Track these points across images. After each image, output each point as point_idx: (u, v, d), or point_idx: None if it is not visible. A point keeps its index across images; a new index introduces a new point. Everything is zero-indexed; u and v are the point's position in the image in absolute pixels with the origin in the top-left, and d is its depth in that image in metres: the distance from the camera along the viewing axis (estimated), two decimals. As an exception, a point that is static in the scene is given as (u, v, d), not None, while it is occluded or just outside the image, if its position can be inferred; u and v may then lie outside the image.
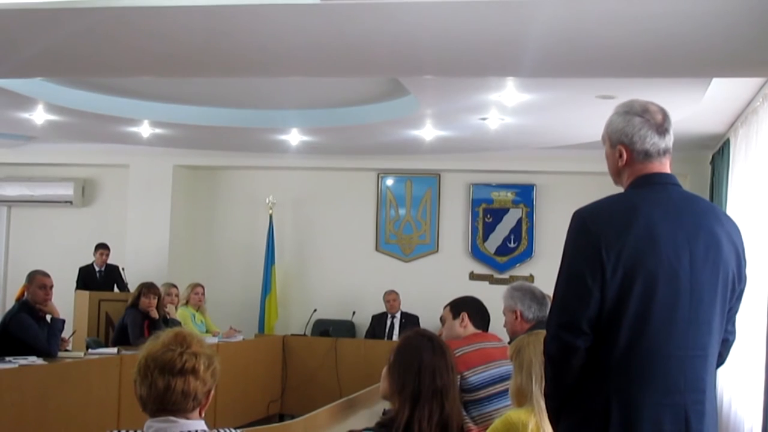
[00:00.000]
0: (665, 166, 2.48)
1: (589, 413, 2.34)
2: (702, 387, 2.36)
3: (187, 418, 2.33)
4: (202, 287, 8.99)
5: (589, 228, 2.36)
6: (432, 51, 5.15)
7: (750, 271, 5.75)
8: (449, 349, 2.86)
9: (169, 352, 2.30)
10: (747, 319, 5.63)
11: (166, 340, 2.34)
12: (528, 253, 10.56)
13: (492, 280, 10.51)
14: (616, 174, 2.54)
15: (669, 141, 2.48)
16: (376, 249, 11.02)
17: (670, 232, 2.35)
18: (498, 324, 4.42)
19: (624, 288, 2.30)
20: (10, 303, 9.15)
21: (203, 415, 2.37)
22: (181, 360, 2.29)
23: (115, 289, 9.82)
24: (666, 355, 2.32)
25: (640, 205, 2.39)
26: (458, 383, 2.93)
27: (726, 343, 2.49)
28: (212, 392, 2.37)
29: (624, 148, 2.48)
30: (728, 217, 2.55)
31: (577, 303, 2.32)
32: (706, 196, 8.38)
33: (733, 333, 2.51)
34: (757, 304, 5.43)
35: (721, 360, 2.50)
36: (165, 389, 2.28)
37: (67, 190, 11.31)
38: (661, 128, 2.47)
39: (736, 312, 2.51)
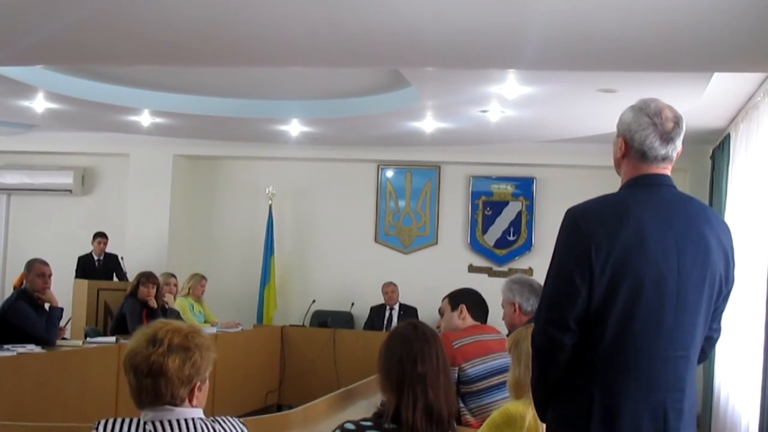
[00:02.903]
0: (663, 170, 2.49)
1: (573, 407, 2.39)
2: (682, 386, 2.41)
3: (184, 407, 2.34)
4: (206, 279, 9.03)
5: (580, 227, 2.38)
6: (433, 42, 5.14)
7: (749, 267, 5.76)
8: (437, 337, 2.86)
9: (138, 355, 2.33)
10: (745, 315, 5.64)
11: (141, 339, 2.36)
12: (527, 246, 10.56)
13: (491, 273, 10.51)
14: (617, 165, 2.56)
15: (672, 150, 2.47)
16: (376, 240, 11.02)
17: (660, 235, 2.38)
18: (497, 316, 4.43)
19: (611, 288, 2.34)
20: (8, 291, 9.15)
21: (195, 404, 2.37)
22: (147, 362, 2.31)
23: (114, 278, 9.83)
24: (650, 354, 2.36)
25: (632, 206, 2.41)
26: (451, 372, 2.93)
27: (710, 341, 2.53)
28: (200, 383, 2.37)
29: (624, 141, 2.50)
30: (719, 219, 2.57)
31: (565, 301, 2.36)
32: (706, 191, 8.38)
33: (717, 330, 2.55)
34: (756, 301, 5.44)
35: (704, 356, 2.54)
36: (138, 388, 2.33)
37: (66, 179, 11.30)
38: (667, 136, 2.46)
39: (722, 311, 2.54)
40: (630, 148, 2.48)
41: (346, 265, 10.89)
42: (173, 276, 8.61)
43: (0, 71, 7.03)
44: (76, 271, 9.79)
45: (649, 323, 2.35)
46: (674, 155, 2.49)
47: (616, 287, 2.33)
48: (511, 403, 3.16)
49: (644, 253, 2.35)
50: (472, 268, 10.64)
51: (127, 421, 2.33)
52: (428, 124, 8.48)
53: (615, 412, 2.34)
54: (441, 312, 4.43)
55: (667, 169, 2.49)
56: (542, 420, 2.59)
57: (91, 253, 10.01)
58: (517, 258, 10.57)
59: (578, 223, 2.39)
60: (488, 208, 10.70)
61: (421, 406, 2.66)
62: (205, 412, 2.40)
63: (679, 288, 2.37)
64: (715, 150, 8.30)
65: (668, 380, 2.38)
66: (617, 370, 2.35)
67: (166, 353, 2.32)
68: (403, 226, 10.97)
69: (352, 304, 10.53)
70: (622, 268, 2.33)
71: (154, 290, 7.78)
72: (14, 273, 9.10)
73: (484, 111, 7.71)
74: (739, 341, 5.83)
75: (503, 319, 4.37)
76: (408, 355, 2.73)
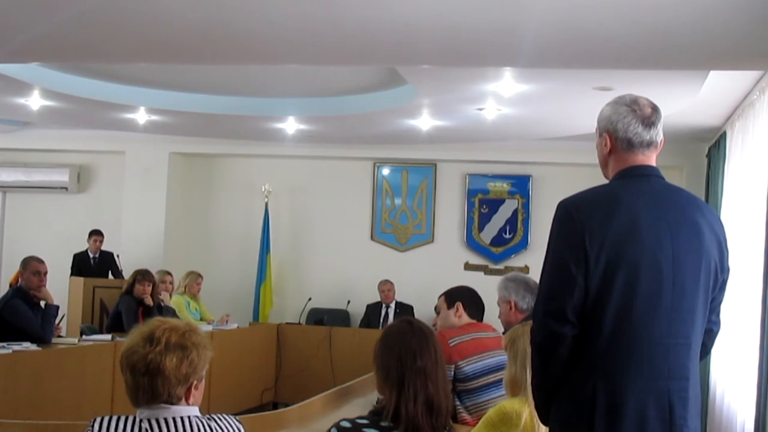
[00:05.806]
0: (649, 158, 2.51)
1: (576, 402, 2.37)
2: (686, 374, 2.39)
3: (180, 405, 2.33)
4: (202, 277, 9.02)
5: (573, 217, 2.39)
6: (430, 40, 5.14)
7: (744, 264, 5.76)
8: (432, 332, 2.87)
9: (135, 353, 2.33)
10: (741, 313, 5.65)
11: (138, 337, 2.36)
12: (523, 244, 10.57)
13: (487, 271, 10.52)
14: (604, 164, 2.58)
15: (655, 135, 2.50)
16: (372, 238, 11.02)
17: (653, 222, 2.38)
18: (493, 314, 4.43)
19: (607, 277, 2.33)
20: (4, 288, 9.13)
21: (191, 402, 2.36)
22: (145, 361, 2.30)
23: (110, 276, 9.81)
24: (650, 342, 2.35)
25: (623, 195, 2.42)
26: (446, 367, 2.93)
27: (710, 334, 2.52)
28: (197, 382, 2.36)
29: (608, 135, 2.53)
30: (710, 209, 2.58)
31: (562, 291, 2.36)
32: (702, 189, 8.39)
33: (717, 323, 2.55)
34: (751, 297, 5.44)
35: (705, 350, 2.53)
36: (135, 387, 2.33)
37: (62, 176, 11.28)
38: (648, 120, 2.49)
39: (720, 302, 2.54)
40: (615, 140, 2.50)
41: (342, 263, 10.89)
42: (169, 273, 8.60)
43: (-5, 68, 7.02)
44: (72, 268, 9.78)
45: (648, 309, 2.34)
46: (658, 141, 2.51)
47: (612, 275, 2.33)
48: (507, 401, 3.16)
49: (638, 240, 2.35)
50: (468, 266, 10.64)
51: (122, 419, 2.32)
52: (424, 121, 8.48)
53: (618, 403, 2.32)
54: (437, 310, 4.44)
55: (652, 158, 2.51)
56: (544, 423, 2.55)
57: (86, 251, 10.00)
58: (513, 256, 10.58)
59: (570, 213, 2.40)
60: (484, 206, 10.70)
61: (421, 400, 2.66)
62: (200, 410, 2.40)
63: (675, 273, 2.37)
64: (711, 148, 8.31)
65: (671, 368, 2.36)
66: (618, 360, 2.33)
67: (164, 352, 2.31)
68: (399, 224, 10.97)
69: (348, 302, 10.53)
70: (616, 255, 2.33)
71: (150, 288, 7.77)
72: (10, 271, 9.08)
73: (481, 109, 7.71)
74: (735, 339, 5.83)
75: (499, 317, 4.37)
76: (406, 350, 2.73)
